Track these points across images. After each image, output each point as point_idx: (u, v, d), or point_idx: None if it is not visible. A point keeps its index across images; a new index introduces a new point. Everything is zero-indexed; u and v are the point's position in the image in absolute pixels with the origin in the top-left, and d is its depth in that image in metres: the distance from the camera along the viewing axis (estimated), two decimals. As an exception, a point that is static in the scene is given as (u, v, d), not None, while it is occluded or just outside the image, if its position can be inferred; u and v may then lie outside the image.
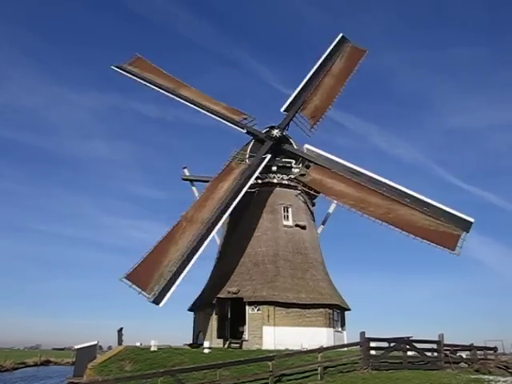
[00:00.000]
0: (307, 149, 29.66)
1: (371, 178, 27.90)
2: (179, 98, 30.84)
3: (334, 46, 34.36)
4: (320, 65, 32.86)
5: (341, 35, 35.21)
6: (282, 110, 30.57)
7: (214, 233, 24.47)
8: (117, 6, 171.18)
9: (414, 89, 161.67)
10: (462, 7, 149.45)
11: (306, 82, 31.78)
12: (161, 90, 31.12)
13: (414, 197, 26.89)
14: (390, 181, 27.69)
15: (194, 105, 30.49)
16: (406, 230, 25.65)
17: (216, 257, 30.67)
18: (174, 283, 21.97)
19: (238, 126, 29.99)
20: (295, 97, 30.98)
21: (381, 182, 27.68)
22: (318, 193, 28.74)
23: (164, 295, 21.61)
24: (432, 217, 26.03)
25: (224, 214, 24.93)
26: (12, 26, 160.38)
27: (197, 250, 23.17)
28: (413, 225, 25.84)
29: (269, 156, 28.58)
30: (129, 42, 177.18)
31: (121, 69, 32.60)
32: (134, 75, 32.15)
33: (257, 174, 27.41)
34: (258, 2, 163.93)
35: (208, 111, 30.21)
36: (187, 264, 22.67)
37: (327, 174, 28.36)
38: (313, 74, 32.24)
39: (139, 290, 21.87)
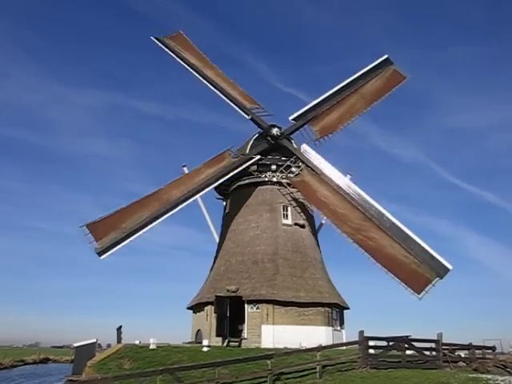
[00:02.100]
0: (303, 149, 29.52)
1: (360, 195, 26.75)
2: (202, 77, 31.06)
3: (374, 67, 32.11)
4: (350, 82, 31.07)
5: (386, 56, 32.63)
6: (291, 118, 29.73)
7: (172, 212, 25.43)
8: (117, 4, 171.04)
9: (414, 88, 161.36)
10: (462, 6, 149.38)
11: (327, 97, 30.30)
12: (189, 69, 31.50)
13: (396, 226, 25.36)
14: (380, 205, 26.35)
15: (212, 85, 30.72)
16: (376, 259, 24.21)
17: (215, 255, 30.69)
18: (120, 243, 23.59)
19: (244, 112, 29.78)
20: (309, 109, 29.82)
21: (370, 203, 26.43)
22: (300, 196, 29.03)
23: (109, 250, 23.30)
24: (407, 251, 24.37)
25: (190, 198, 26.14)
26: (11, 24, 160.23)
27: (151, 223, 24.65)
28: (387, 256, 24.30)
29: (258, 157, 28.89)
30: (129, 40, 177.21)
31: (159, 41, 33.06)
32: (169, 49, 32.56)
33: (238, 170, 28.06)
34: (258, 0, 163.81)
35: (222, 93, 30.34)
36: (139, 230, 24.17)
37: (316, 178, 27.92)
38: (338, 90, 30.61)
39: (92, 239, 23.38)
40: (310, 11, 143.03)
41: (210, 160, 28.31)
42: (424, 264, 24.04)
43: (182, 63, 31.80)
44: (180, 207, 25.62)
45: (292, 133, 30.43)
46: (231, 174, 27.73)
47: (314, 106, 30.10)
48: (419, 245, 24.67)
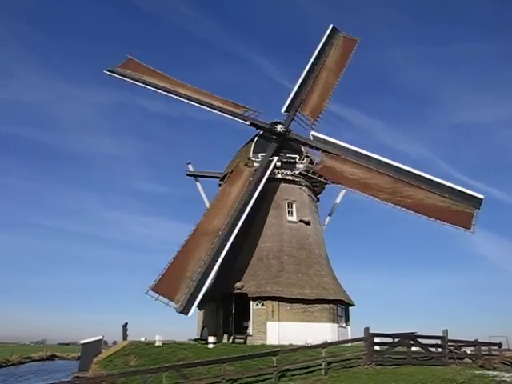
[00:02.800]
0: (314, 136, 29.62)
1: (379, 161, 28.21)
2: (179, 96, 29.86)
3: (326, 39, 34.11)
4: (314, 60, 32.65)
5: (331, 26, 34.82)
6: (283, 110, 30.40)
7: (229, 243, 23.71)
8: (121, 1, 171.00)
9: (419, 84, 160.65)
10: (467, 2, 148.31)
11: (303, 79, 31.57)
12: (158, 90, 30.01)
13: (424, 177, 27.19)
14: (398, 163, 28.02)
15: (195, 102, 29.73)
16: (417, 211, 25.85)
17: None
18: (198, 294, 21.74)
19: (241, 119, 29.59)
20: (294, 96, 30.81)
21: (389, 164, 27.98)
22: (327, 181, 28.74)
23: (191, 305, 21.40)
24: (443, 196, 26.18)
25: (237, 223, 24.30)
26: (15, 22, 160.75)
27: (216, 261, 22.90)
28: (424, 206, 25.95)
29: (276, 158, 28.43)
30: (133, 37, 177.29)
31: (114, 72, 31.29)
32: (127, 77, 30.86)
33: (265, 178, 27.01)
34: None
35: (210, 107, 29.65)
36: (209, 274, 22.46)
37: (336, 160, 28.49)
38: (308, 70, 32.06)
39: (166, 300, 21.67)
40: (314, 8, 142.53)
41: (228, 178, 27.77)
42: (460, 202, 26.06)
43: (151, 88, 30.22)
44: (232, 237, 23.87)
45: (289, 124, 30.37)
46: (262, 184, 26.52)
47: (297, 91, 31.03)
48: (449, 187, 26.66)
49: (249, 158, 28.86)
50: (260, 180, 26.58)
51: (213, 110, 29.62)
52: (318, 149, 29.19)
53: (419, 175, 27.26)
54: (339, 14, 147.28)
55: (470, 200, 26.11)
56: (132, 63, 32.61)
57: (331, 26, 34.80)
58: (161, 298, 21.67)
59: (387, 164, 27.99)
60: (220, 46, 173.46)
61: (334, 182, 28.83)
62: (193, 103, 29.73)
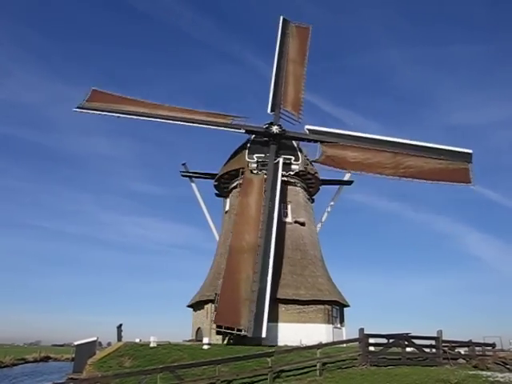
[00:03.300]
0: (309, 129, 29.92)
1: (375, 139, 29.53)
2: (159, 118, 28.96)
3: (282, 31, 34.33)
4: (278, 55, 33.16)
5: (282, 18, 35.11)
6: (268, 111, 30.75)
7: (271, 254, 23.47)
8: (118, 3, 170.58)
9: (415, 85, 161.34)
10: (463, 4, 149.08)
11: (275, 77, 32.10)
12: (134, 117, 28.72)
13: (418, 145, 29.08)
14: (392, 137, 29.81)
15: (178, 120, 28.93)
16: (419, 177, 27.87)
17: (215, 253, 30.69)
18: (263, 311, 21.49)
19: (235, 128, 29.55)
20: (273, 95, 31.31)
21: (384, 140, 29.58)
22: (335, 168, 29.47)
23: (261, 325, 21.11)
24: (438, 159, 28.17)
25: (271, 233, 24.32)
26: (13, 22, 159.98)
27: (266, 275, 22.67)
28: (425, 171, 28.00)
29: (281, 159, 28.35)
30: (130, 38, 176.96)
31: (83, 108, 29.70)
32: (99, 110, 29.53)
33: (279, 181, 26.95)
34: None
35: (194, 122, 29.04)
36: (265, 289, 22.20)
37: (336, 148, 29.20)
38: (277, 66, 32.61)
39: (232, 330, 21.61)
40: (310, 9, 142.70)
41: (240, 190, 27.55)
42: (455, 160, 28.54)
43: (125, 116, 28.91)
44: (273, 247, 23.78)
45: (278, 122, 30.51)
46: (279, 187, 26.55)
47: (274, 87, 31.62)
48: (441, 149, 28.97)
49: (247, 166, 28.76)
50: (275, 184, 26.61)
51: (199, 125, 29.15)
52: (316, 141, 29.45)
53: (414, 144, 29.19)
54: (336, 14, 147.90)
55: (463, 156, 28.53)
56: (98, 94, 31.10)
57: (282, 18, 35.05)
58: (224, 330, 21.71)
59: (384, 141, 29.53)
60: (216, 47, 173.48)
61: (339, 169, 29.56)
62: (174, 122, 28.93)
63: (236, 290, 22.45)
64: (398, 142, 29.35)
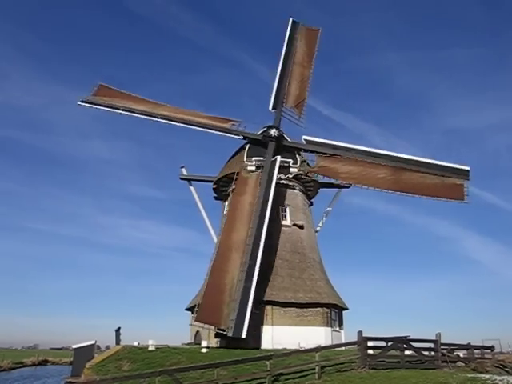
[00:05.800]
0: (306, 140, 29.84)
1: (372, 152, 29.18)
2: (160, 118, 29.27)
3: (290, 33, 34.42)
4: (285, 55, 33.31)
5: (291, 20, 35.20)
6: (270, 108, 30.99)
7: (259, 253, 23.48)
8: (116, 6, 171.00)
9: (413, 89, 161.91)
10: (461, 7, 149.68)
11: (280, 75, 32.28)
12: (137, 115, 29.20)
13: (416, 160, 28.70)
14: (389, 151, 29.36)
15: (178, 122, 29.26)
16: (414, 193, 27.52)
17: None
18: (245, 311, 21.54)
19: (234, 134, 29.69)
20: (276, 92, 31.47)
21: (381, 154, 29.17)
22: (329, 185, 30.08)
23: (242, 325, 21.16)
24: (435, 174, 27.94)
25: (261, 232, 24.27)
26: (10, 25, 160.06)
27: (252, 276, 22.71)
28: (421, 186, 27.67)
29: (278, 157, 28.30)
30: (127, 42, 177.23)
31: (88, 102, 30.24)
32: (103, 106, 30.01)
33: (275, 179, 26.97)
34: (258, 2, 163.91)
35: (195, 125, 29.31)
36: (249, 288, 22.23)
37: (332, 160, 28.92)
38: (282, 66, 32.71)
39: (213, 327, 21.66)
40: (309, 12, 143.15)
41: (234, 188, 27.62)
42: (451, 177, 28.08)
43: (129, 113, 29.41)
44: (261, 247, 23.79)
45: (279, 121, 30.76)
46: (273, 186, 26.57)
47: (278, 85, 31.77)
48: (436, 164, 28.51)
49: (243, 166, 28.69)
50: (270, 183, 26.63)
51: (199, 128, 29.30)
52: (312, 152, 29.39)
53: (412, 159, 28.87)
54: (335, 18, 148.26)
55: (459, 173, 28.14)
56: (104, 89, 31.53)
57: (291, 20, 35.12)
58: (207, 326, 21.70)
59: (382, 154, 29.15)
60: (214, 50, 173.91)
61: (332, 179, 29.71)
62: (175, 123, 29.28)
63: (220, 288, 22.41)
64: (396, 156, 28.88)
